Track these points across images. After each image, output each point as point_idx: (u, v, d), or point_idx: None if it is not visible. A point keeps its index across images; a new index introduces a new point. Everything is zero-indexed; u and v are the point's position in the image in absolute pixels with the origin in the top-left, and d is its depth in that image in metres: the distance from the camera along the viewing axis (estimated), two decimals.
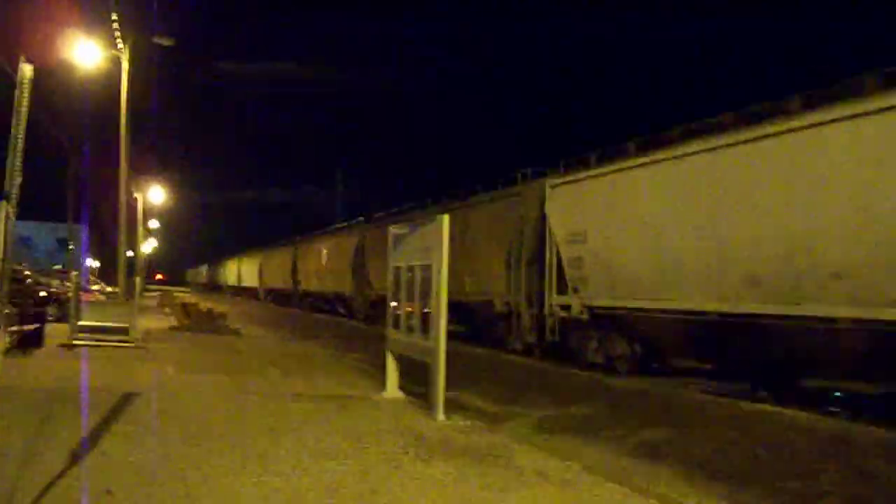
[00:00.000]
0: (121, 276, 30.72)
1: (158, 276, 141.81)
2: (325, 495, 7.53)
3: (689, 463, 10.26)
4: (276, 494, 7.50)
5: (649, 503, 7.81)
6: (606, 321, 20.31)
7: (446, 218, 12.35)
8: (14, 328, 17.96)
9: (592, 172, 20.75)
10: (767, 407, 14.39)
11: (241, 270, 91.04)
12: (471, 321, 28.91)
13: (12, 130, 5.69)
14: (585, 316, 20.69)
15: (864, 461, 10.44)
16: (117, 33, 28.89)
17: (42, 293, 29.78)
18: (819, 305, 13.93)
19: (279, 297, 68.30)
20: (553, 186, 22.24)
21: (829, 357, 14.72)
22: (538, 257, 23.06)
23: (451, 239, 24.29)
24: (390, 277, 14.78)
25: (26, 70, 6.05)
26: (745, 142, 15.45)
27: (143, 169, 54.72)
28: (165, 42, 32.00)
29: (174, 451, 9.03)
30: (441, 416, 12.01)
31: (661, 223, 17.79)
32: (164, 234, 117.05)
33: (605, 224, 19.95)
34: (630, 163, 19.25)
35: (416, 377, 14.12)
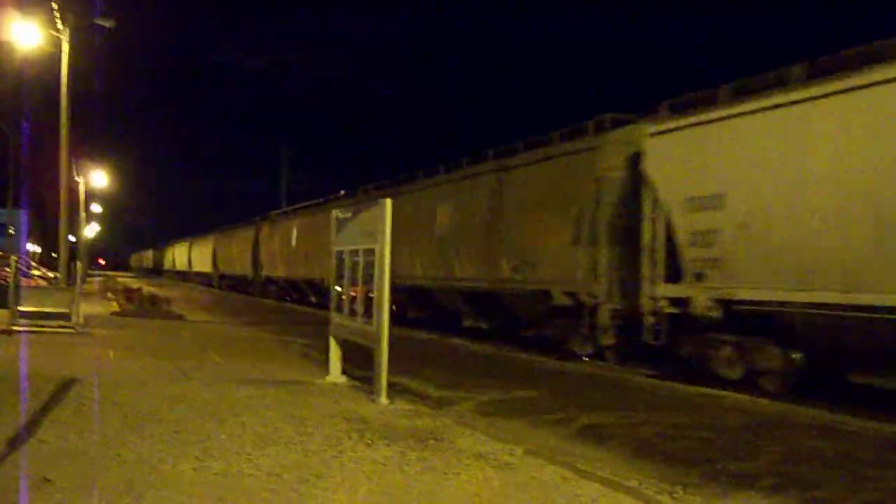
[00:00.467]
0: (62, 261, 30.33)
1: (101, 262, 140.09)
2: (266, 480, 7.49)
3: (634, 446, 10.33)
4: (217, 479, 7.45)
5: (591, 486, 7.85)
6: (751, 320, 14.80)
7: (389, 202, 12.31)
8: None
9: (732, 110, 15.00)
10: (710, 390, 14.54)
11: (176, 256, 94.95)
12: (508, 315, 23.95)
13: None
14: (717, 313, 15.21)
15: (801, 441, 10.61)
16: (57, 14, 28.42)
17: None
18: None
19: (238, 284, 62.61)
20: (656, 134, 16.92)
21: None
22: (625, 232, 17.80)
23: (480, 210, 24.06)
24: (333, 261, 14.70)
25: None
26: None
27: (85, 153, 54.09)
28: (107, 24, 31.50)
29: (114, 438, 8.94)
30: (384, 401, 11.99)
31: (872, 176, 12.66)
32: (108, 219, 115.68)
33: (758, 182, 14.49)
34: (801, 93, 13.70)
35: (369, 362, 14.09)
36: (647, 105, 18.12)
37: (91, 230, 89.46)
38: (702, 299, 15.37)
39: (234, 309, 40.06)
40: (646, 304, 16.80)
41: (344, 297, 14.26)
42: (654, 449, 10.15)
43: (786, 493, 8.17)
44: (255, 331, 26.01)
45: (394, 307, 26.52)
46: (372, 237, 12.71)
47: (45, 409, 10.26)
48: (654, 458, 9.63)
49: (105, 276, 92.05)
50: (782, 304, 13.95)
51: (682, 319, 16.04)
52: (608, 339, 18.56)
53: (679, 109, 16.58)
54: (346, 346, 14.27)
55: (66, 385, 12.06)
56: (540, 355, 20.07)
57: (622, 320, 18.12)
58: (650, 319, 16.64)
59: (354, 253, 13.65)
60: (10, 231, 61.28)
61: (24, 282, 25.29)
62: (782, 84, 14.17)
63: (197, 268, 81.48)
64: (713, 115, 15.42)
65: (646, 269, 16.89)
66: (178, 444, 8.80)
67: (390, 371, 12.25)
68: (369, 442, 9.30)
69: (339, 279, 14.49)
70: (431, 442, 9.48)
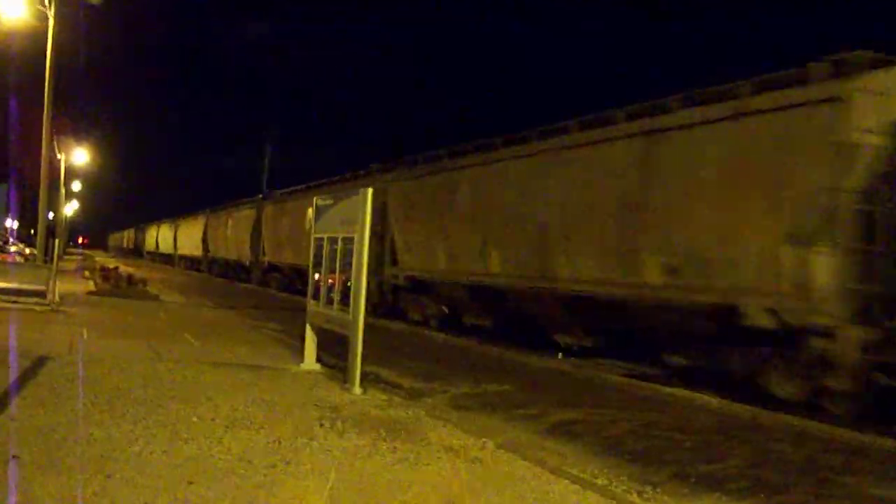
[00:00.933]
0: (39, 238, 30.18)
1: (80, 240, 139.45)
2: (237, 464, 7.48)
3: (605, 443, 10.36)
4: (187, 462, 7.43)
5: (560, 482, 7.87)
6: None
7: (370, 191, 12.30)
8: None
9: None
10: (683, 391, 14.58)
11: (159, 238, 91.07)
12: (644, 334, 17.80)
13: None
14: None
15: (770, 445, 10.66)
16: None
17: None
18: None
19: (191, 263, 70.93)
20: None
21: None
22: (884, 228, 12.64)
23: (610, 189, 17.50)
24: (312, 249, 14.66)
25: None
26: None
27: (67, 129, 53.79)
28: (94, 1, 31.35)
29: (85, 417, 8.90)
30: (358, 390, 11.98)
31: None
32: (87, 198, 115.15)
33: None
34: None
35: (338, 349, 14.08)
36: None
37: (70, 208, 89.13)
38: None
39: (202, 290, 39.98)
40: None
41: (322, 284, 14.23)
42: (625, 447, 10.18)
43: (754, 496, 8.22)
44: (226, 313, 25.96)
45: (444, 308, 25.28)
46: (350, 226, 12.69)
47: (16, 386, 10.22)
48: (624, 457, 9.66)
49: (83, 254, 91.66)
50: None
51: None
52: (844, 383, 12.72)
53: None
54: (322, 333, 14.25)
55: (38, 362, 12.00)
56: (515, 350, 20.08)
57: (870, 356, 12.55)
58: None
59: (334, 240, 13.62)
60: None
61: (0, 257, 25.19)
62: None
63: (184, 250, 76.03)
64: None
65: None
66: (150, 425, 8.78)
67: (365, 360, 12.25)
68: (341, 430, 9.30)
69: (317, 266, 14.46)
70: (403, 433, 9.49)
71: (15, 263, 28.44)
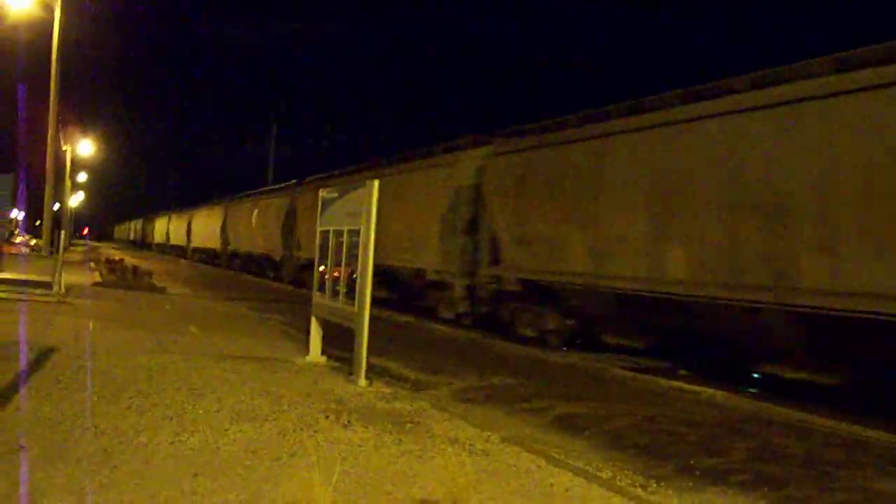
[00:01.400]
0: (45, 230, 30.27)
1: (86, 231, 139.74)
2: (242, 456, 7.51)
3: (609, 437, 10.38)
4: (192, 454, 7.46)
5: (564, 475, 7.89)
6: None
7: (377, 183, 12.31)
8: None
9: None
10: (686, 385, 14.60)
11: (170, 229, 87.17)
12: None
13: None
14: None
15: (773, 439, 10.67)
16: None
17: None
18: None
19: (207, 257, 66.31)
20: None
21: None
22: None
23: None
24: (318, 241, 14.69)
25: None
26: None
27: (73, 121, 53.91)
28: None
29: (91, 408, 8.94)
30: (363, 382, 12.01)
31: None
32: (94, 189, 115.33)
33: None
34: None
35: (343, 341, 14.10)
36: None
37: (76, 199, 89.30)
38: None
39: (209, 282, 39.96)
40: None
41: (327, 277, 14.27)
42: (630, 440, 10.20)
43: (758, 490, 8.23)
44: (232, 305, 26.00)
45: (572, 322, 19.42)
46: (356, 219, 12.71)
47: (21, 378, 10.26)
48: (628, 450, 9.68)
49: (89, 246, 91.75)
50: None
51: None
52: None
53: None
54: (325, 324, 14.28)
55: (44, 354, 12.04)
56: (521, 344, 20.10)
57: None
58: None
59: (339, 233, 13.64)
60: None
61: (6, 248, 25.28)
62: None
63: (198, 242, 70.38)
64: None
65: None
66: (155, 416, 8.81)
67: (371, 353, 12.28)
68: (346, 423, 9.32)
69: (322, 259, 14.50)
70: (408, 425, 9.51)
71: (21, 254, 28.50)
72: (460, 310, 23.53)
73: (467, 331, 22.55)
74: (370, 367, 12.38)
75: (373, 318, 12.25)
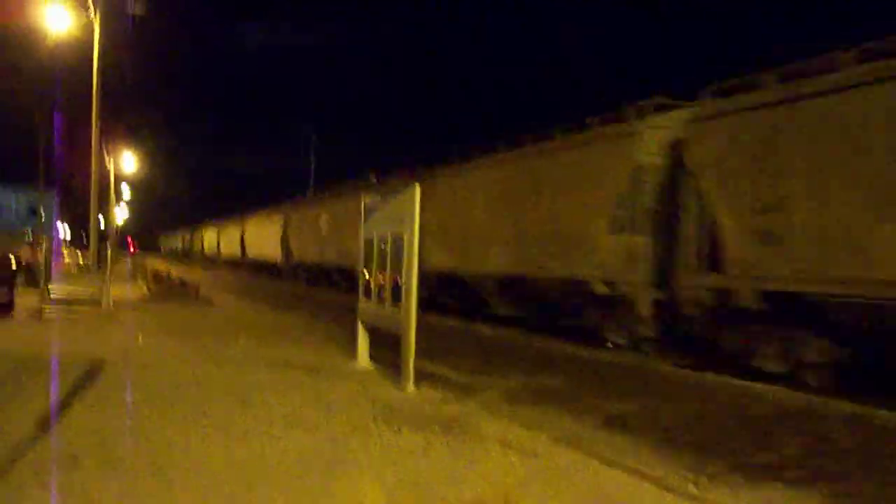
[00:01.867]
0: (92, 244, 30.59)
1: (131, 244, 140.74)
2: (294, 465, 7.54)
3: (658, 435, 10.31)
4: (243, 462, 7.51)
5: (615, 474, 7.86)
6: None
7: (417, 188, 12.32)
8: None
9: None
10: (734, 380, 14.47)
11: (221, 240, 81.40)
12: None
13: None
14: None
15: (826, 433, 10.55)
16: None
17: (12, 260, 29.56)
18: None
19: (265, 269, 59.25)
20: None
21: None
22: None
23: None
24: (362, 247, 14.73)
25: None
26: None
27: (115, 135, 54.38)
28: (138, 10, 31.72)
29: (142, 419, 9.02)
30: (411, 387, 12.02)
31: None
32: (138, 202, 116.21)
33: None
34: None
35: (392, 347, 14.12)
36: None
37: (121, 213, 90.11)
38: None
39: (257, 293, 40.06)
40: None
41: (372, 283, 14.29)
42: (680, 437, 10.12)
43: (812, 486, 8.13)
44: (280, 315, 26.10)
45: (843, 352, 13.62)
46: (400, 224, 12.72)
47: (74, 391, 10.36)
48: (678, 447, 9.61)
49: (135, 258, 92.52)
50: None
51: None
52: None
53: None
54: (372, 331, 14.31)
55: (95, 367, 12.16)
56: (563, 342, 20.01)
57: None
58: None
59: (383, 239, 13.68)
60: (42, 214, 61.63)
61: (54, 265, 25.58)
62: None
63: (253, 254, 62.54)
64: None
65: None
66: (206, 427, 8.87)
67: (417, 357, 12.29)
68: (396, 428, 9.34)
69: (366, 265, 14.54)
70: (457, 429, 9.51)
71: (69, 269, 28.83)
72: (644, 333, 17.92)
73: (507, 330, 22.42)
74: (417, 371, 12.39)
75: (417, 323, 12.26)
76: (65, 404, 9.58)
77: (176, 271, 42.91)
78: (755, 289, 14.43)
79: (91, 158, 30.50)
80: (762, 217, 14.36)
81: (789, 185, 13.84)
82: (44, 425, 8.49)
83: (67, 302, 21.17)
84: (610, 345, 18.94)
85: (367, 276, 14.56)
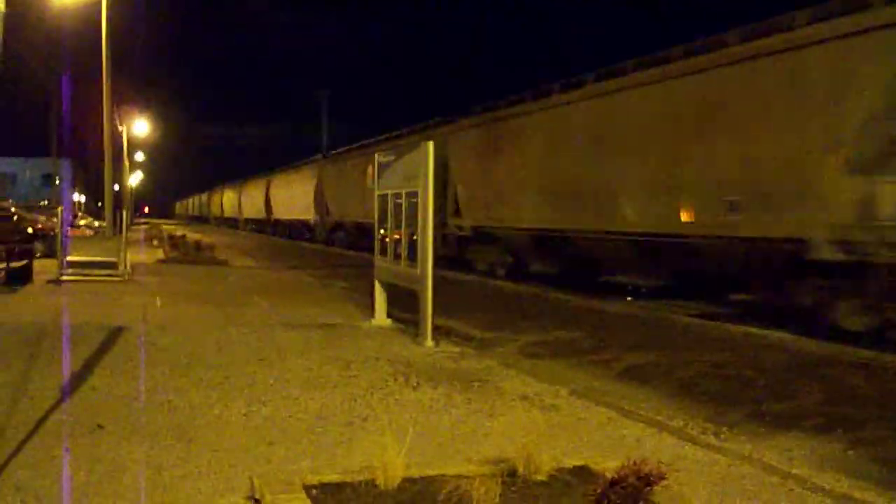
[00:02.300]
0: (107, 211, 30.68)
1: (146, 209, 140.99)
2: (314, 423, 7.58)
3: (677, 385, 10.34)
4: (264, 423, 7.55)
5: (635, 426, 7.88)
6: None
7: (430, 145, 12.28)
8: (1, 265, 17.94)
9: None
10: (753, 329, 14.46)
11: (224, 202, 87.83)
12: None
13: None
14: None
15: (845, 380, 10.55)
16: None
17: (29, 229, 29.69)
18: None
19: (255, 226, 68.84)
20: None
21: None
22: None
23: None
24: (377, 205, 14.73)
25: None
26: None
27: (128, 102, 54.40)
28: None
29: (163, 383, 9.06)
30: (430, 343, 12.06)
31: None
32: (152, 168, 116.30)
33: None
34: None
35: (406, 304, 14.15)
36: None
37: (135, 178, 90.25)
38: None
39: (269, 252, 40.14)
40: None
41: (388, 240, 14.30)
42: (699, 388, 10.15)
43: (832, 433, 8.15)
44: (294, 274, 26.18)
45: None
46: (413, 181, 12.70)
47: (94, 357, 10.41)
48: (697, 398, 9.64)
49: (150, 223, 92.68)
50: None
51: None
52: None
53: None
54: (388, 287, 14.33)
55: (114, 333, 12.22)
56: (581, 296, 20.03)
57: None
58: None
59: (398, 197, 13.66)
60: (57, 181, 61.81)
61: (70, 232, 25.67)
62: None
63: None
64: None
65: None
66: (227, 388, 8.92)
67: (435, 313, 12.31)
68: (415, 385, 9.37)
69: (381, 223, 14.54)
70: (477, 384, 9.54)
71: (85, 237, 28.92)
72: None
73: (527, 285, 22.42)
74: (435, 328, 12.41)
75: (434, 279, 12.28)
76: (86, 370, 9.63)
77: (192, 235, 42.89)
78: None
79: (103, 126, 30.51)
80: None
81: None
82: (66, 392, 8.54)
83: (84, 268, 21.21)
84: (628, 298, 18.85)
85: (383, 234, 14.56)
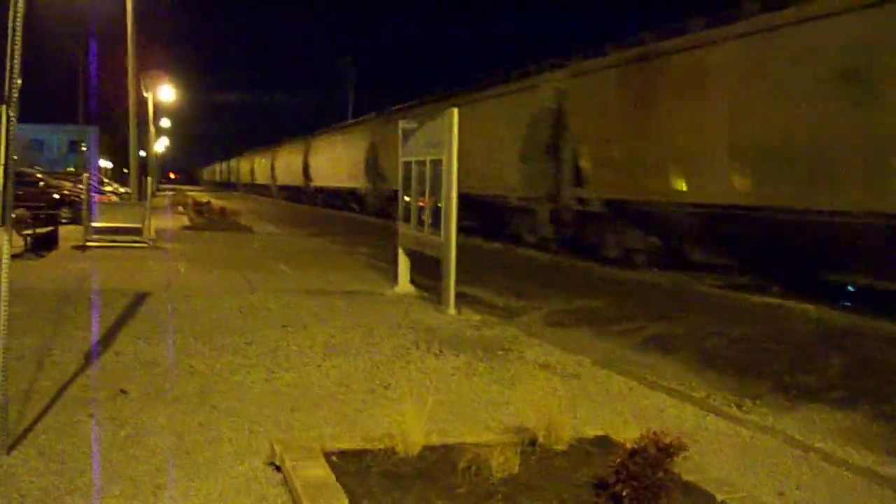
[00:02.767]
0: (132, 177, 30.65)
1: (172, 176, 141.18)
2: (336, 390, 7.59)
3: (700, 356, 10.30)
4: (287, 389, 7.57)
5: (658, 396, 7.86)
6: None
7: (455, 112, 12.22)
8: (28, 231, 18.02)
9: None
10: (777, 300, 14.38)
11: (255, 168, 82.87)
12: None
13: (10, 32, 5.62)
14: None
15: (870, 353, 10.48)
16: None
17: (55, 196, 29.82)
18: None
19: (291, 194, 62.73)
20: None
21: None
22: None
23: None
24: (401, 172, 14.69)
25: None
26: None
27: (154, 67, 54.39)
28: None
29: (186, 349, 9.10)
30: (452, 311, 12.05)
31: None
32: (178, 134, 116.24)
33: None
34: None
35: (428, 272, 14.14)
36: None
37: (160, 144, 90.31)
38: None
39: (294, 219, 40.09)
40: None
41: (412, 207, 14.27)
42: (722, 359, 10.11)
43: (855, 405, 8.10)
44: (319, 241, 26.21)
45: None
46: (438, 148, 12.65)
47: (119, 322, 10.46)
48: (720, 369, 9.60)
49: (175, 189, 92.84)
50: None
51: None
52: None
53: None
54: (411, 254, 14.31)
55: (138, 298, 12.27)
56: (604, 265, 19.94)
57: None
58: None
59: (422, 164, 13.62)
60: (83, 147, 61.97)
61: (96, 198, 25.75)
62: None
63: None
64: None
65: None
66: (249, 355, 8.94)
67: (458, 281, 12.29)
68: (437, 352, 9.38)
69: (406, 190, 14.51)
70: (499, 352, 9.54)
71: (111, 203, 28.99)
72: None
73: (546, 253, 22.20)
74: (458, 295, 12.39)
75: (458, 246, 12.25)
76: (110, 335, 9.68)
77: (215, 201, 42.94)
78: None
79: (129, 90, 30.47)
80: None
81: None
82: (91, 357, 8.59)
83: (110, 234, 21.29)
84: (654, 269, 18.61)
85: (407, 201, 14.53)
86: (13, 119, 5.64)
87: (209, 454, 5.71)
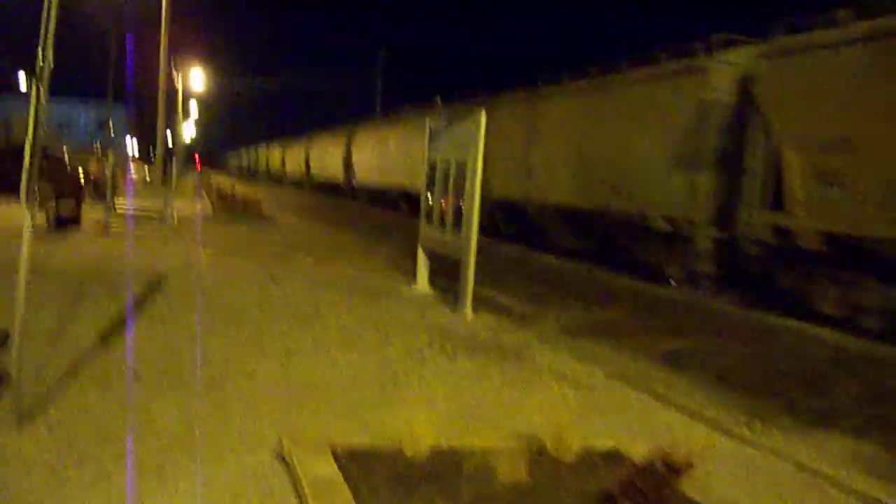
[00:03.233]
0: (158, 160, 30.84)
1: (197, 160, 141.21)
2: (348, 385, 7.62)
3: (715, 374, 10.24)
4: (298, 381, 7.59)
5: (668, 413, 7.84)
6: None
7: (483, 113, 12.20)
8: (51, 210, 18.14)
9: None
10: (794, 321, 14.30)
11: (286, 159, 75.71)
12: None
13: (44, 14, 5.66)
14: None
15: (884, 380, 10.41)
16: None
17: (80, 175, 29.98)
18: None
19: (328, 189, 54.77)
20: None
21: None
22: None
23: None
24: (425, 172, 14.68)
25: None
26: None
27: (186, 51, 54.63)
28: None
29: (201, 335, 9.13)
30: (468, 313, 12.04)
31: None
32: (206, 119, 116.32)
33: None
34: None
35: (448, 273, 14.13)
36: None
37: (188, 129, 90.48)
38: None
39: (319, 212, 40.06)
40: None
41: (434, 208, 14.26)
42: (735, 378, 10.04)
43: (867, 434, 8.02)
44: (341, 235, 26.19)
45: None
46: (463, 150, 12.63)
47: (136, 304, 10.53)
48: (734, 388, 9.54)
49: (202, 175, 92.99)
50: None
51: None
52: None
53: None
54: (432, 255, 14.31)
55: (156, 282, 12.32)
56: (625, 276, 19.88)
57: None
58: None
59: (446, 164, 13.61)
60: (111, 126, 62.13)
61: (121, 179, 25.89)
62: None
63: (368, 178, 44.48)
64: None
65: None
66: (263, 345, 8.97)
67: (477, 284, 12.28)
68: (451, 353, 9.38)
69: (429, 190, 14.50)
70: (513, 357, 9.53)
71: (136, 184, 29.17)
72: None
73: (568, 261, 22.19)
74: (475, 298, 12.39)
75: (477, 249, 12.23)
76: (127, 317, 9.73)
77: (239, 188, 42.92)
78: None
79: (159, 73, 30.69)
80: None
81: None
82: (106, 339, 8.63)
83: (133, 216, 21.44)
84: (672, 283, 18.64)
85: (430, 201, 14.51)
86: (44, 95, 5.68)
87: (218, 444, 5.74)
